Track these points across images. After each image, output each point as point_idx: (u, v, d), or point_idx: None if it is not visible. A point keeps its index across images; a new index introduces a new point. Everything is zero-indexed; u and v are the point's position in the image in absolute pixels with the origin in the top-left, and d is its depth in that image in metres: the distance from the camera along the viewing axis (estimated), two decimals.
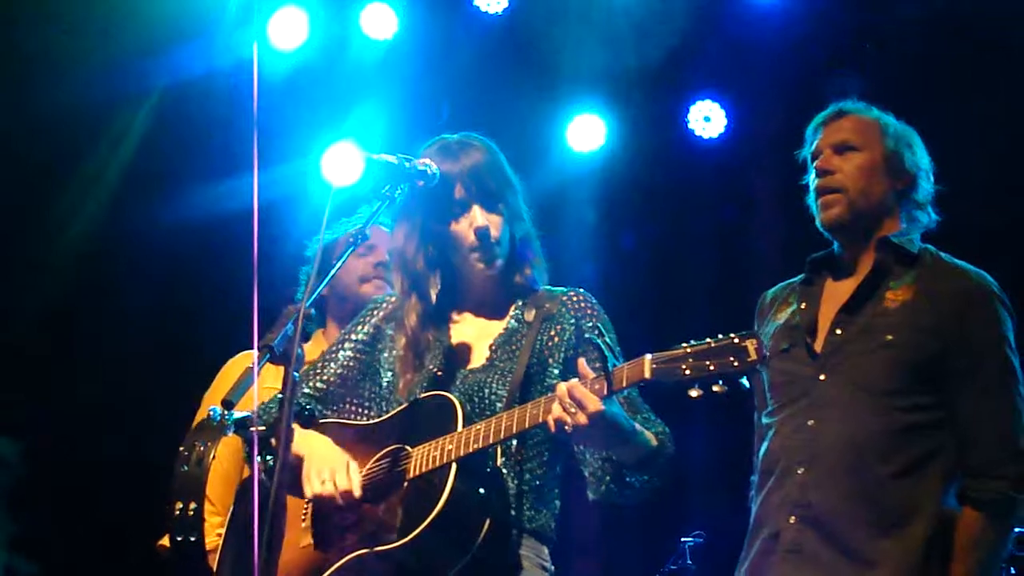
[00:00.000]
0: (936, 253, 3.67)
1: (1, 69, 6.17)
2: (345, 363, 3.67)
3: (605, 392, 3.11)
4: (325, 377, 3.67)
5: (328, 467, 3.38)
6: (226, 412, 3.07)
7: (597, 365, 3.20)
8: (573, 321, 3.56)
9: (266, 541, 2.83)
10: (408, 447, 3.39)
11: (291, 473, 3.23)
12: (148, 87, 6.52)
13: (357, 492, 3.35)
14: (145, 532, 4.44)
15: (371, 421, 3.57)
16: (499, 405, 3.43)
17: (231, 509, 3.66)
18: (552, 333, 3.54)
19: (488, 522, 3.25)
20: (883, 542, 3.43)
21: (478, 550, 3.23)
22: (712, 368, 2.96)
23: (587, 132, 6.96)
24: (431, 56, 6.85)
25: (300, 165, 6.57)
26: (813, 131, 3.79)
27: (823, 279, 3.76)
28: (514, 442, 3.39)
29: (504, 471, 3.40)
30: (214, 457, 3.72)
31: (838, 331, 3.61)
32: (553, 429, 3.17)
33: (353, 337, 3.71)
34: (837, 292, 3.69)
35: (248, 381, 2.99)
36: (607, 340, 3.23)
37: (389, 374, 3.62)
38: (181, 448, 3.77)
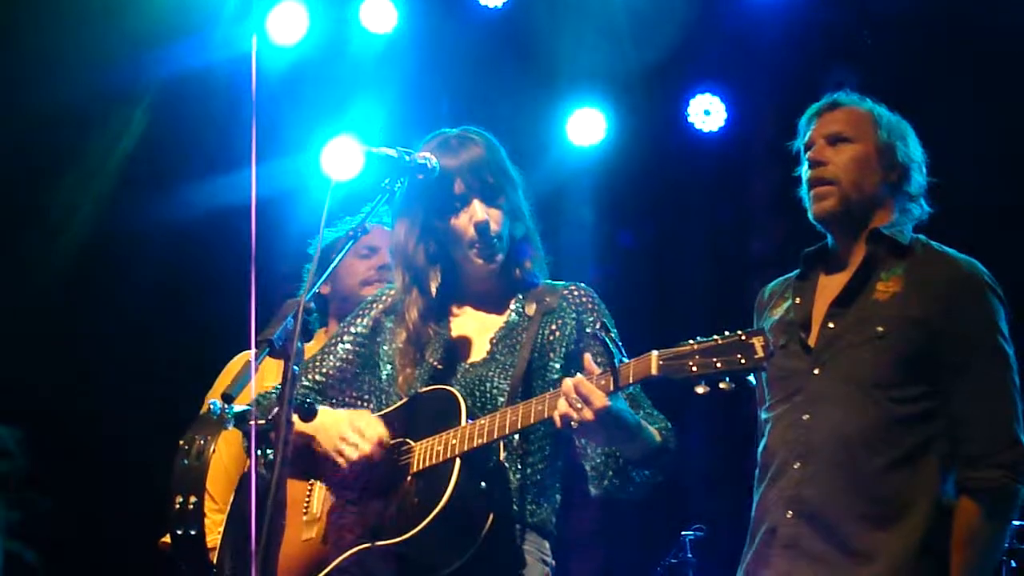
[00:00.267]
0: (927, 243, 3.66)
1: None
2: (344, 356, 3.67)
3: (611, 388, 3.10)
4: (324, 370, 3.67)
5: (350, 427, 3.37)
6: (226, 406, 3.06)
7: (601, 360, 3.20)
8: (574, 316, 3.56)
9: (265, 535, 2.83)
10: (410, 441, 3.39)
11: (295, 457, 3.21)
12: (147, 82, 6.53)
13: (388, 441, 3.35)
14: (144, 522, 4.44)
15: (372, 414, 3.57)
16: (501, 399, 3.43)
17: (231, 503, 3.66)
18: (553, 327, 3.54)
19: (491, 517, 3.25)
20: (879, 535, 3.42)
21: (481, 545, 3.23)
22: (719, 366, 2.95)
23: (587, 126, 6.97)
24: (431, 50, 6.85)
25: (299, 160, 6.57)
26: (806, 122, 3.78)
27: (817, 273, 3.75)
28: (516, 436, 3.38)
29: (506, 465, 3.40)
30: (214, 451, 3.71)
31: (831, 325, 3.60)
32: (559, 425, 3.17)
33: (352, 330, 3.70)
34: (830, 286, 3.68)
35: (248, 375, 2.98)
36: (612, 334, 3.22)
37: (388, 367, 3.61)
38: (181, 442, 3.76)
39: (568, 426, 3.15)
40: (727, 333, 2.98)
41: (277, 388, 3.59)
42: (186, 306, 6.59)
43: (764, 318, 3.82)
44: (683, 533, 6.27)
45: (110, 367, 6.42)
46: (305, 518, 3.49)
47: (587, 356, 3.21)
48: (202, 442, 3.72)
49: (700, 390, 2.96)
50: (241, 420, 3.22)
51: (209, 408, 3.12)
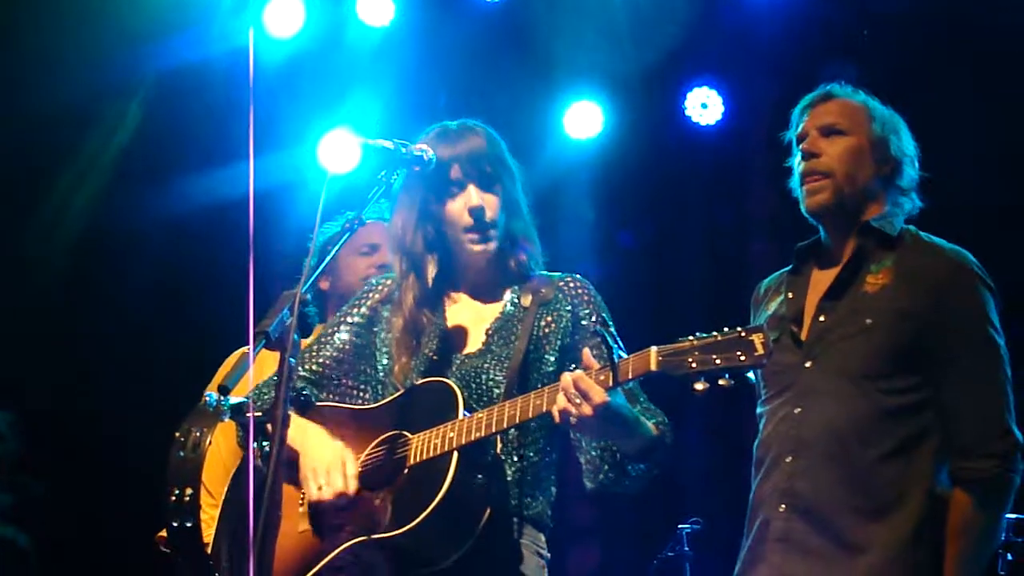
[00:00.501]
0: (916, 233, 3.66)
1: None
2: (341, 346, 3.67)
3: (610, 383, 3.10)
4: (320, 360, 3.67)
5: (323, 467, 3.37)
6: (222, 398, 3.06)
7: (600, 355, 3.20)
8: (569, 308, 3.56)
9: (262, 527, 2.83)
10: (407, 433, 3.38)
11: (287, 461, 3.22)
12: (143, 76, 6.52)
13: (352, 489, 3.34)
14: (139, 512, 4.43)
15: (369, 405, 3.57)
16: (496, 391, 3.43)
17: (224, 494, 3.66)
18: (549, 319, 3.54)
19: (488, 510, 3.26)
20: (872, 527, 3.42)
21: (478, 538, 3.23)
22: (719, 363, 2.95)
23: (584, 119, 6.96)
24: (428, 43, 6.84)
25: (297, 153, 6.56)
26: (799, 113, 3.77)
27: (810, 267, 3.75)
28: (512, 429, 3.38)
29: (503, 458, 3.40)
30: (211, 443, 3.71)
31: (822, 318, 3.60)
32: (558, 420, 3.17)
33: (348, 320, 3.70)
34: (822, 280, 3.68)
35: (244, 367, 2.98)
36: (610, 329, 3.22)
37: (385, 358, 3.61)
38: (177, 434, 3.76)
39: (567, 421, 3.15)
40: (726, 329, 2.98)
41: (273, 378, 3.60)
42: (183, 299, 6.59)
43: (759, 313, 3.82)
44: (680, 526, 6.26)
45: (108, 360, 6.42)
46: (301, 510, 3.49)
47: (586, 351, 3.21)
48: (198, 434, 3.71)
49: (699, 387, 2.96)
50: (237, 412, 3.22)
51: (205, 400, 3.12)
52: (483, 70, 6.77)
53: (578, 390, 3.10)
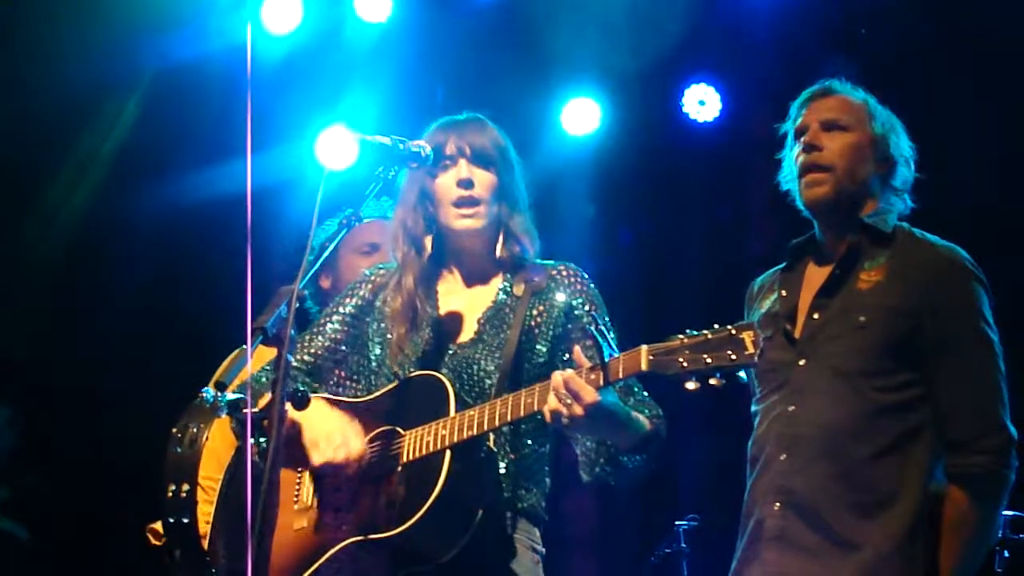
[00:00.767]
0: (909, 230, 3.65)
1: None
2: (333, 336, 3.68)
3: (601, 383, 3.10)
4: (312, 350, 3.68)
5: (339, 431, 3.38)
6: (219, 394, 3.06)
7: (591, 353, 3.19)
8: (562, 297, 3.56)
9: (259, 524, 2.83)
10: (400, 429, 3.39)
11: (285, 448, 3.22)
12: (141, 71, 6.51)
13: (365, 460, 3.36)
14: (138, 507, 4.44)
15: (362, 399, 3.57)
16: (488, 382, 3.43)
17: (219, 490, 3.66)
18: (541, 308, 3.55)
19: (482, 506, 3.26)
20: (867, 524, 3.42)
21: (473, 534, 3.23)
22: (709, 362, 2.94)
23: (582, 116, 6.96)
24: (425, 39, 6.83)
25: (294, 149, 6.55)
26: (799, 107, 3.76)
27: (804, 265, 3.74)
28: None
29: (495, 452, 3.40)
30: (207, 439, 3.72)
31: (815, 316, 3.60)
32: (549, 420, 3.17)
33: (341, 310, 3.72)
34: (816, 277, 3.67)
35: (242, 363, 2.98)
36: (601, 327, 3.22)
37: (378, 348, 3.62)
38: (174, 430, 3.77)
39: (558, 421, 3.15)
40: (716, 327, 2.97)
41: (265, 369, 3.60)
42: (181, 295, 6.59)
43: (753, 311, 3.81)
44: (677, 523, 6.27)
45: (105, 356, 6.41)
46: (296, 507, 3.49)
47: (577, 349, 3.21)
48: (195, 430, 3.72)
49: (690, 386, 2.95)
50: (234, 408, 3.22)
51: (202, 396, 3.12)
52: (481, 66, 6.77)
53: (569, 390, 3.10)
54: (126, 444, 5.88)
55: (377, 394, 3.52)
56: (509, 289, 3.59)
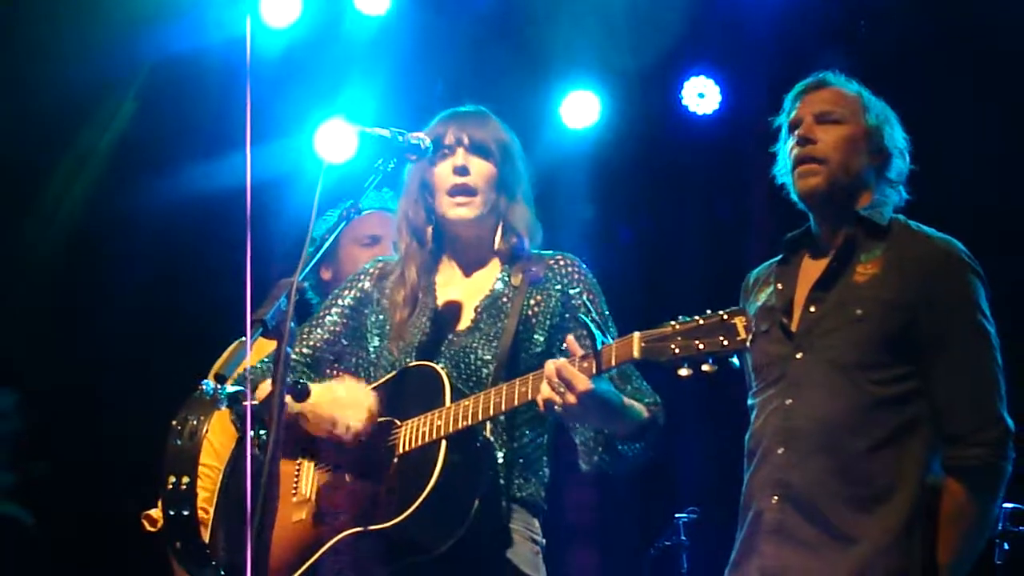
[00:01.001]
0: (905, 223, 3.65)
1: None
2: (332, 328, 3.69)
3: (594, 371, 3.10)
4: (311, 342, 3.68)
5: (350, 401, 3.39)
6: (219, 386, 3.06)
7: (585, 341, 3.20)
8: (560, 287, 3.57)
9: (259, 518, 2.83)
10: (397, 420, 3.39)
11: (284, 437, 3.22)
12: (139, 65, 6.51)
13: (375, 408, 3.38)
14: (139, 493, 4.44)
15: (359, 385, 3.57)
16: (485, 371, 3.44)
17: (221, 482, 3.66)
18: (539, 298, 3.55)
19: (479, 496, 3.27)
20: (864, 517, 3.42)
21: (471, 524, 3.24)
22: (701, 347, 2.94)
23: (581, 109, 6.96)
24: (424, 32, 6.82)
25: (293, 142, 6.55)
26: (793, 99, 3.76)
27: (800, 258, 3.74)
28: None
29: (492, 441, 3.41)
30: (207, 431, 3.72)
31: (812, 309, 3.60)
32: (543, 409, 3.18)
33: (340, 302, 3.72)
34: (812, 270, 3.67)
35: (241, 355, 2.98)
36: (595, 315, 3.22)
37: (376, 340, 3.63)
38: (174, 422, 3.77)
39: (551, 410, 3.15)
40: (709, 313, 2.98)
41: (263, 361, 3.61)
42: (181, 288, 6.59)
43: (749, 304, 3.81)
44: (676, 515, 6.28)
45: (106, 349, 6.41)
46: (295, 499, 3.49)
47: (570, 338, 3.21)
48: (195, 422, 3.72)
49: (683, 372, 2.96)
50: (234, 400, 3.22)
51: (202, 388, 3.13)
52: (480, 59, 6.76)
53: (561, 379, 3.10)
54: (126, 438, 5.89)
55: (375, 385, 3.52)
56: (507, 279, 3.59)
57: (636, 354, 3.03)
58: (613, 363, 3.09)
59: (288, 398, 3.19)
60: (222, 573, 3.56)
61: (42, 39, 6.17)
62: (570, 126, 6.97)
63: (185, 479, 3.67)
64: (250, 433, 3.31)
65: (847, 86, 3.73)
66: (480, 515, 3.25)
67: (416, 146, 3.42)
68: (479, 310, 3.56)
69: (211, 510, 3.75)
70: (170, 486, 3.68)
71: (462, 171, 3.56)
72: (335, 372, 3.68)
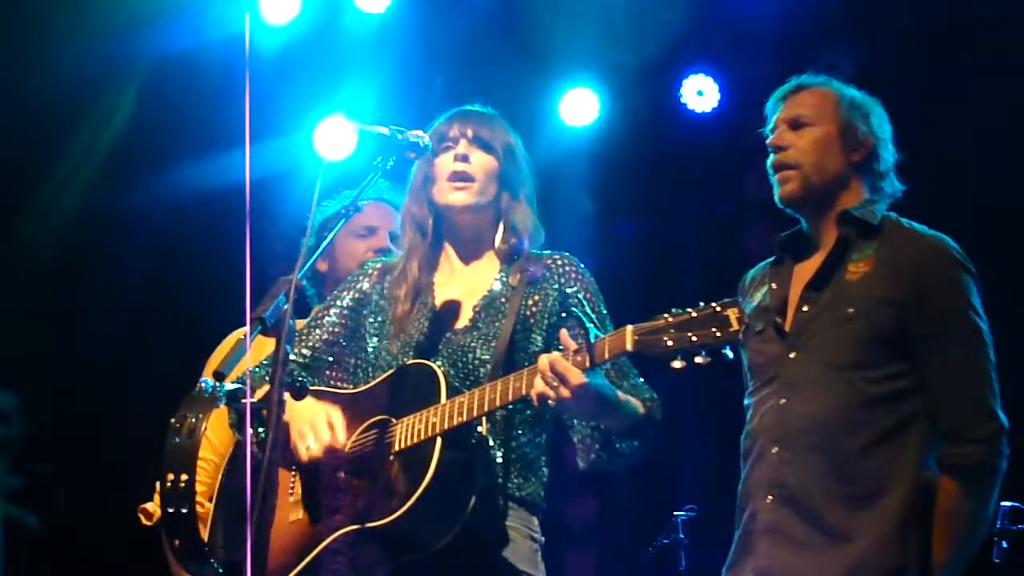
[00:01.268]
0: (897, 220, 3.65)
1: None
2: (331, 328, 3.69)
3: (587, 365, 3.11)
4: (311, 343, 3.69)
5: (307, 425, 3.39)
6: (217, 384, 3.06)
7: (578, 335, 3.20)
8: (557, 287, 3.57)
9: (257, 515, 2.83)
10: (393, 419, 3.39)
11: (281, 444, 3.24)
12: (138, 62, 6.50)
13: (340, 441, 3.37)
14: (144, 489, 4.45)
15: (357, 389, 3.57)
16: (482, 371, 3.44)
17: (220, 481, 3.66)
18: (536, 298, 3.55)
19: (475, 493, 3.27)
20: (859, 515, 3.41)
21: (467, 522, 3.24)
22: (695, 339, 2.95)
23: (580, 107, 6.96)
24: (424, 29, 6.82)
25: (293, 139, 6.55)
26: (772, 106, 3.79)
27: (794, 257, 3.75)
28: (499, 411, 3.38)
29: (490, 440, 3.41)
30: (206, 429, 3.72)
31: (805, 308, 3.60)
32: (537, 403, 3.18)
33: (338, 303, 3.73)
34: (805, 270, 3.68)
35: (240, 353, 2.98)
36: (587, 310, 3.23)
37: (375, 340, 3.63)
38: (172, 420, 3.78)
39: (545, 404, 3.16)
40: (701, 305, 2.98)
41: (263, 364, 3.61)
42: (180, 285, 6.59)
43: (744, 305, 3.81)
44: (675, 513, 6.27)
45: (106, 348, 6.41)
46: (291, 499, 3.50)
47: (563, 332, 3.22)
48: (193, 420, 3.72)
49: (676, 365, 2.97)
50: (232, 398, 3.23)
51: (200, 386, 3.13)
52: (479, 57, 6.76)
53: (555, 372, 3.11)
54: (126, 435, 5.89)
55: (372, 384, 3.53)
56: (505, 279, 3.59)
57: (629, 346, 3.03)
58: (606, 356, 3.09)
59: (286, 395, 3.19)
60: (220, 571, 3.57)
61: (40, 36, 6.17)
62: (569, 123, 6.97)
63: (184, 477, 3.67)
64: (249, 431, 3.31)
65: (823, 86, 3.75)
66: (477, 513, 3.25)
67: (415, 143, 3.42)
68: (477, 309, 3.56)
69: (208, 504, 3.76)
70: (169, 484, 3.68)
71: (462, 159, 3.58)
72: (334, 372, 3.68)
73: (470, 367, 3.47)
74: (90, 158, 6.62)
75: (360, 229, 4.60)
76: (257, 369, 3.61)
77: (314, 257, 3.28)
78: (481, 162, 3.61)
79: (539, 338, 3.52)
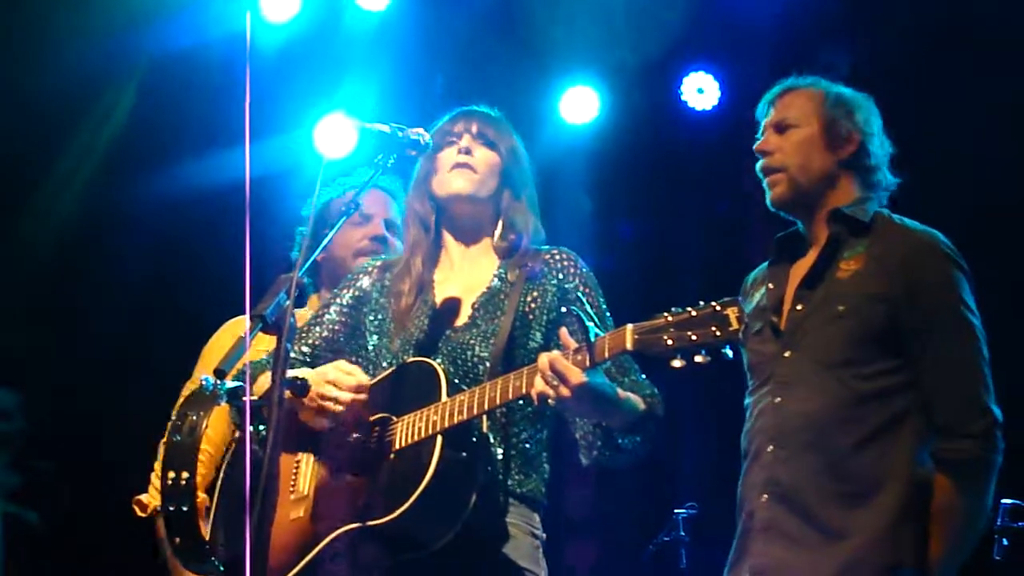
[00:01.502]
0: (888, 217, 3.65)
1: None
2: (331, 326, 3.69)
3: (587, 364, 3.10)
4: (311, 341, 3.69)
5: (324, 383, 3.38)
6: (218, 382, 3.06)
7: (577, 333, 3.20)
8: (556, 282, 3.57)
9: (258, 513, 2.83)
10: (393, 416, 3.39)
11: (283, 441, 3.23)
12: (138, 60, 6.50)
13: (366, 383, 3.37)
14: (140, 491, 4.45)
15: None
16: (482, 368, 3.44)
17: (220, 478, 3.66)
18: (535, 294, 3.55)
19: (476, 491, 3.26)
20: (854, 513, 3.41)
21: (468, 519, 3.24)
22: (694, 338, 2.95)
23: (580, 104, 6.96)
24: (424, 27, 6.82)
25: (293, 137, 6.55)
26: (760, 111, 3.81)
27: (790, 257, 3.75)
28: (499, 409, 3.38)
29: (490, 436, 3.41)
30: (206, 427, 3.72)
31: (798, 307, 3.61)
32: (537, 402, 3.19)
33: (339, 301, 3.73)
34: (801, 269, 3.68)
35: (241, 350, 2.98)
36: (588, 307, 3.22)
37: (375, 338, 3.63)
38: (173, 418, 3.78)
39: (545, 403, 3.16)
40: (701, 304, 2.98)
41: (264, 360, 3.61)
42: (180, 283, 6.59)
43: (746, 305, 3.82)
44: (676, 511, 6.28)
45: (106, 347, 6.42)
46: (293, 496, 3.49)
47: (563, 331, 3.21)
48: (194, 418, 3.72)
49: (676, 364, 2.96)
50: (233, 396, 3.22)
51: (201, 384, 3.13)
52: (479, 55, 6.76)
53: (555, 371, 3.11)
54: (126, 435, 5.89)
55: (373, 382, 3.53)
56: (504, 275, 3.60)
57: (629, 346, 3.03)
58: (607, 355, 3.09)
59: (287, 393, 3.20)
60: (221, 569, 3.57)
61: (40, 35, 6.17)
62: (569, 122, 6.97)
63: (184, 475, 3.67)
64: (249, 428, 3.31)
65: (808, 87, 3.76)
66: (479, 510, 3.25)
67: (416, 141, 3.42)
68: (476, 306, 3.56)
69: (203, 495, 3.76)
70: (169, 482, 3.68)
71: (465, 152, 3.60)
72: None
73: (469, 364, 3.47)
74: (90, 157, 6.62)
75: (355, 217, 4.59)
76: (260, 360, 3.61)
77: (313, 256, 3.28)
78: (484, 156, 3.63)
79: (538, 334, 3.52)
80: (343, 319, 3.69)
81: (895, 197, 3.75)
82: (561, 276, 3.59)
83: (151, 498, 4.30)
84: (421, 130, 3.48)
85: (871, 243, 3.57)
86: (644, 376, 3.49)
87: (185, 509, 3.66)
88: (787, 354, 3.57)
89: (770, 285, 3.73)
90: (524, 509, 3.46)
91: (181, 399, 4.20)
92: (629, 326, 3.05)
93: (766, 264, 3.85)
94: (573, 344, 3.14)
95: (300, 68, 6.66)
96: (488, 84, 6.41)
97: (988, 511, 3.48)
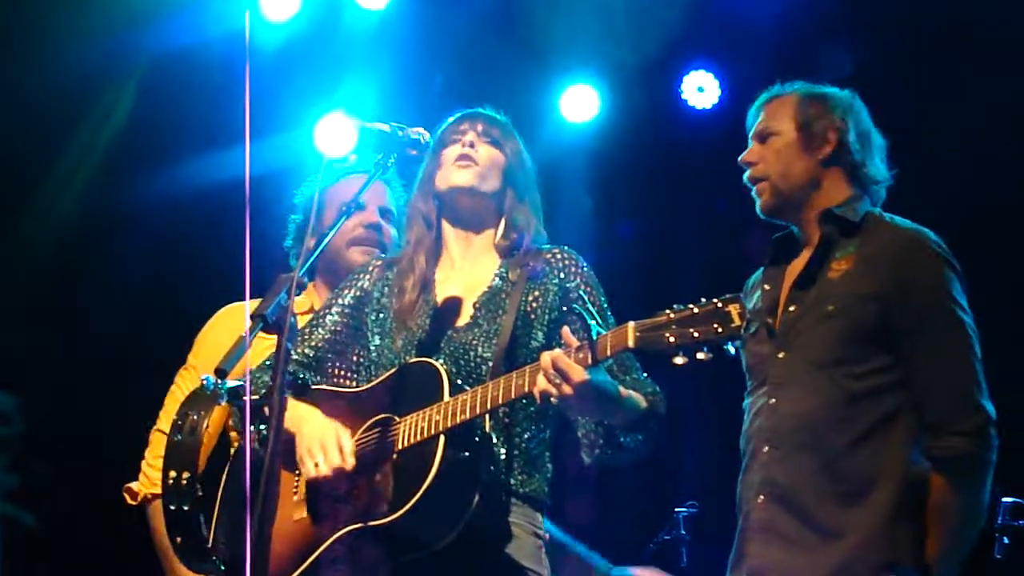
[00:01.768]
0: (879, 216, 3.65)
1: None
2: (332, 328, 3.69)
3: (589, 362, 3.11)
4: (313, 343, 3.68)
5: (318, 444, 3.38)
6: (219, 381, 3.06)
7: (580, 331, 3.20)
8: (557, 281, 3.57)
9: (260, 512, 2.83)
10: (396, 417, 3.39)
11: (284, 445, 3.23)
12: (138, 58, 6.50)
13: (349, 465, 3.35)
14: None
15: (360, 388, 3.57)
16: (484, 368, 3.44)
17: (224, 480, 3.66)
18: (537, 293, 3.55)
19: (479, 491, 3.26)
20: (850, 511, 3.41)
21: (471, 519, 3.24)
22: (697, 336, 2.95)
23: (580, 103, 6.96)
24: (424, 26, 6.82)
25: (293, 136, 6.55)
26: (750, 121, 3.82)
27: (786, 259, 3.76)
28: (502, 408, 3.38)
29: (493, 436, 3.41)
30: (207, 426, 3.72)
31: (791, 308, 3.61)
32: (539, 400, 3.19)
33: (340, 301, 3.73)
34: (795, 270, 3.70)
35: (242, 350, 2.98)
36: (589, 306, 3.23)
37: (377, 338, 3.63)
38: (175, 418, 3.77)
39: (548, 401, 3.16)
40: (703, 301, 2.99)
41: (266, 365, 3.61)
42: (180, 282, 6.59)
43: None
44: (676, 510, 6.28)
45: (105, 346, 6.41)
46: (295, 498, 3.49)
47: (565, 329, 3.22)
48: (195, 417, 3.72)
49: (678, 361, 2.97)
50: (234, 395, 3.22)
51: (202, 384, 3.12)
52: (479, 53, 6.76)
53: (557, 370, 3.11)
54: (126, 435, 5.89)
55: (375, 382, 3.53)
56: (505, 274, 3.60)
57: (631, 343, 3.03)
58: (609, 353, 3.09)
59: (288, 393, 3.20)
60: (222, 568, 3.57)
61: (40, 34, 6.17)
62: (569, 120, 6.97)
63: (186, 474, 3.67)
64: (249, 429, 3.31)
65: (786, 94, 3.78)
66: (481, 510, 3.25)
67: (416, 141, 3.43)
68: (477, 306, 3.56)
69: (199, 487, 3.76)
70: (171, 481, 3.68)
71: (469, 146, 3.61)
72: (336, 371, 3.68)
73: (472, 364, 3.47)
74: (90, 157, 6.62)
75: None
76: (259, 374, 3.60)
77: (314, 256, 3.28)
78: (488, 152, 3.64)
79: (540, 333, 3.52)
80: (345, 320, 3.69)
81: (894, 196, 3.75)
82: (562, 275, 3.58)
83: (141, 486, 4.30)
84: (421, 129, 3.48)
85: (861, 243, 3.57)
86: (646, 374, 3.49)
87: (186, 508, 3.66)
88: (781, 355, 3.58)
89: (766, 287, 3.74)
90: (527, 509, 3.46)
91: (174, 386, 4.22)
92: (631, 324, 3.05)
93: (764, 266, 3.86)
94: (575, 342, 3.15)
95: (300, 67, 6.66)
96: (488, 83, 6.41)
97: (985, 508, 3.48)
